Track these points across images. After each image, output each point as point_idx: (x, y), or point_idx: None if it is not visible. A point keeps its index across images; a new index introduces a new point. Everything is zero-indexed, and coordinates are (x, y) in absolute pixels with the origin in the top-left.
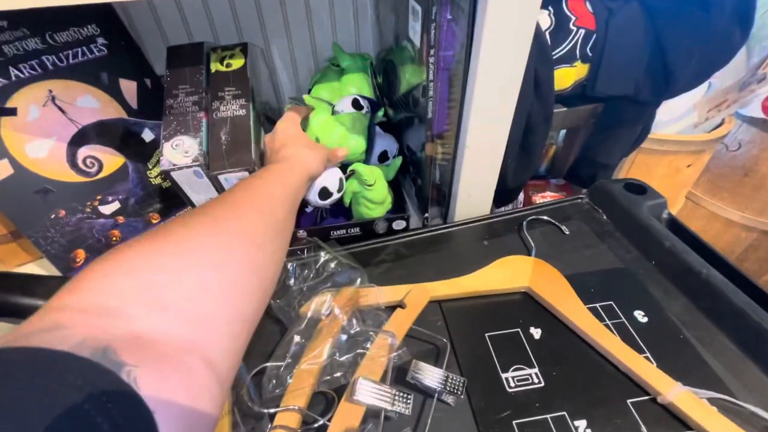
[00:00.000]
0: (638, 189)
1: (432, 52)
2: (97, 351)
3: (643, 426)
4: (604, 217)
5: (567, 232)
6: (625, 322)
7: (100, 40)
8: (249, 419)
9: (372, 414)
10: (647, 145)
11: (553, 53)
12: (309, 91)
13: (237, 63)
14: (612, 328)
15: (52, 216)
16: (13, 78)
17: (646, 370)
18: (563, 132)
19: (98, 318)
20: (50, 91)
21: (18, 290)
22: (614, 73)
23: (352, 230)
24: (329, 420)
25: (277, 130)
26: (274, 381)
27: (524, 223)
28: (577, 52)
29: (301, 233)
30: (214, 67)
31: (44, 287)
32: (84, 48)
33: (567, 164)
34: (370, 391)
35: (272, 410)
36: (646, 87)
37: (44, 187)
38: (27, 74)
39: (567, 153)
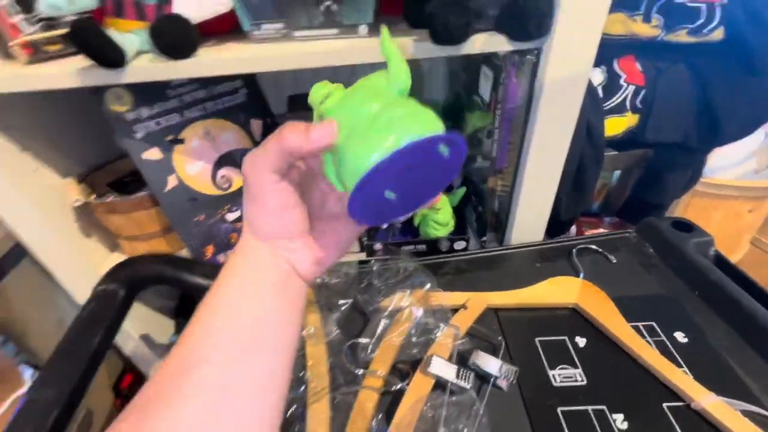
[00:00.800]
0: (685, 227)
1: (499, 105)
2: None
3: (677, 427)
4: (651, 251)
5: (614, 261)
6: (666, 340)
7: (242, 90)
8: (345, 376)
9: (439, 386)
10: (704, 188)
11: (605, 104)
12: None
13: None
14: (653, 345)
15: (195, 219)
16: (185, 118)
17: (682, 379)
18: (617, 172)
19: None
20: (206, 129)
21: (186, 269)
22: (663, 122)
23: (420, 246)
24: (407, 384)
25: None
26: (364, 352)
27: (574, 250)
28: (627, 104)
29: (378, 246)
30: None
31: (200, 269)
32: (231, 96)
33: (619, 203)
34: (440, 366)
35: (362, 371)
36: (694, 135)
37: (194, 197)
38: (194, 115)
39: (619, 192)
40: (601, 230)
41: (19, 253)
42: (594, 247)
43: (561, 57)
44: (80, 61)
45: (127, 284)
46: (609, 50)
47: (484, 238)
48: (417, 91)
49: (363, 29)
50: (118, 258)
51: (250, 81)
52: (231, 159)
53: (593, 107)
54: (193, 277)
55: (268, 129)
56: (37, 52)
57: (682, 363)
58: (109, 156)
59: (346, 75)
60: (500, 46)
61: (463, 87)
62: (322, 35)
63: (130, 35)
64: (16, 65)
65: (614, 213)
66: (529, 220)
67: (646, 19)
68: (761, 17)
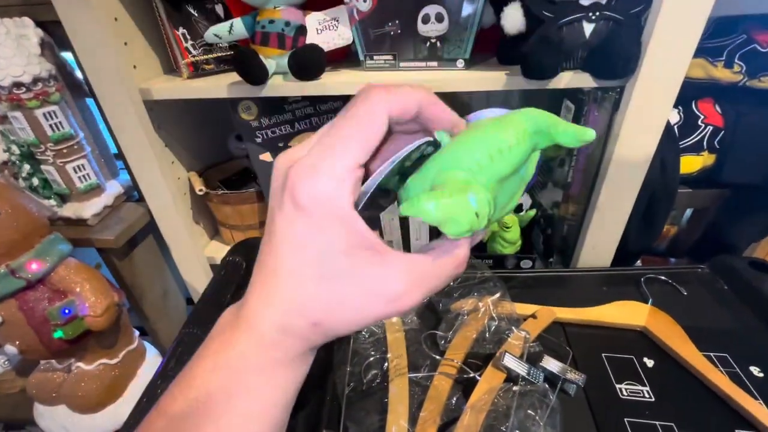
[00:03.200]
0: (763, 268)
1: None
2: None
3: None
4: (725, 287)
5: (685, 293)
6: (740, 373)
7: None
8: (424, 359)
9: (510, 381)
10: None
11: (681, 143)
12: None
13: None
14: (725, 374)
15: None
16: (296, 129)
17: (756, 406)
18: (688, 213)
19: None
20: None
21: None
22: (741, 163)
23: (487, 261)
24: (479, 375)
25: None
26: (441, 341)
27: (642, 279)
28: (705, 143)
29: None
30: None
31: None
32: (334, 113)
33: (689, 243)
34: (513, 361)
35: (439, 357)
36: None
37: None
38: (303, 127)
39: (689, 234)
40: None
41: (147, 228)
42: (663, 277)
43: (643, 96)
44: (229, 78)
45: (246, 258)
46: (688, 92)
47: (551, 260)
48: None
49: (460, 63)
50: (217, 244)
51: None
52: None
53: (668, 144)
54: None
55: None
56: (196, 70)
57: (756, 395)
58: (221, 158)
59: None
60: (586, 83)
61: None
62: (424, 66)
63: (270, 60)
64: (179, 79)
65: (682, 255)
66: (597, 246)
67: (728, 65)
68: None
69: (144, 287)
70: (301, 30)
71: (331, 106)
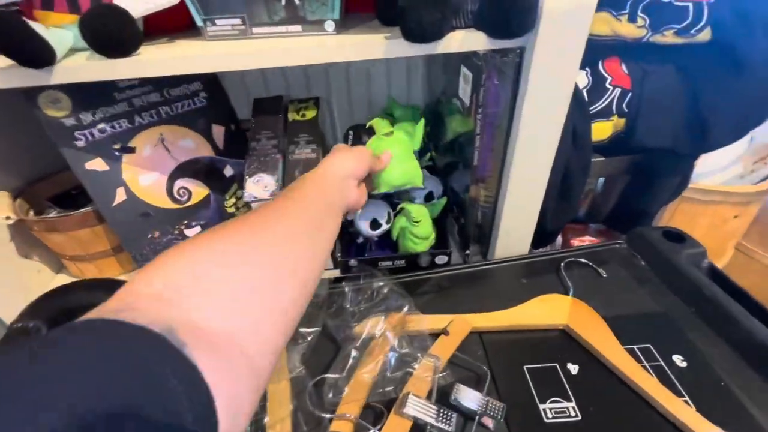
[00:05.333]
0: (677, 237)
1: (480, 109)
2: (164, 329)
3: None
4: (643, 263)
5: (605, 275)
6: (664, 365)
7: (202, 94)
8: (310, 422)
9: (417, 429)
10: (690, 194)
11: (591, 108)
12: None
13: (310, 114)
14: (650, 370)
15: (149, 236)
16: (137, 124)
17: (685, 413)
18: (602, 179)
19: (163, 304)
20: (161, 134)
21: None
22: (651, 127)
23: (398, 262)
24: (379, 430)
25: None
26: (332, 391)
27: (562, 264)
28: (614, 107)
29: (353, 262)
30: (292, 116)
31: None
32: (190, 100)
33: (606, 209)
34: (417, 406)
35: (329, 416)
36: (684, 140)
37: (146, 212)
38: (147, 121)
39: (606, 199)
40: (587, 238)
41: None
42: (583, 260)
43: (546, 56)
44: (1, 59)
45: (50, 320)
46: (593, 52)
47: (467, 252)
48: (398, 95)
49: (330, 26)
50: (63, 280)
51: (211, 83)
52: (190, 169)
53: (579, 111)
54: None
55: (233, 136)
56: None
57: (683, 391)
58: (55, 166)
59: (320, 73)
60: (479, 45)
61: (442, 89)
62: (284, 32)
63: (62, 30)
64: None
65: (600, 220)
66: (514, 231)
67: (632, 18)
68: (748, 16)
69: None
70: None
71: (185, 90)
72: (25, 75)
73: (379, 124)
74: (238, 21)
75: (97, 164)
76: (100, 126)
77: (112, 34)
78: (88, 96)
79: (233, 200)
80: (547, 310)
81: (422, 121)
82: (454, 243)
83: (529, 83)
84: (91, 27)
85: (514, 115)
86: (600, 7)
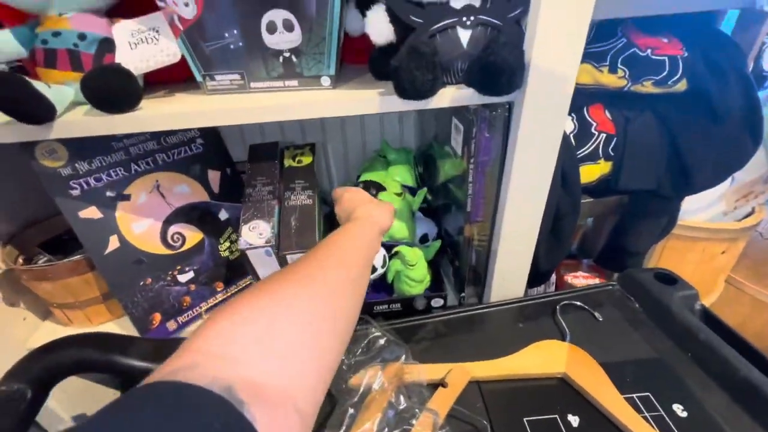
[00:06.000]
0: (668, 279)
1: (472, 159)
2: (224, 389)
3: None
4: (636, 306)
5: (600, 319)
6: (664, 415)
7: (199, 140)
8: None
9: None
10: (678, 231)
11: (578, 152)
12: (357, 177)
13: (306, 160)
14: (651, 420)
15: (141, 283)
16: (133, 171)
17: None
18: (590, 220)
19: (223, 361)
20: (157, 181)
21: (117, 350)
22: (635, 170)
23: (394, 306)
24: None
25: (344, 197)
26: None
27: (557, 307)
28: (600, 151)
29: None
30: (288, 162)
31: (137, 348)
32: (186, 147)
33: (597, 247)
34: None
35: None
36: (667, 183)
37: (139, 259)
38: (143, 168)
39: (596, 237)
40: (580, 274)
41: None
42: (578, 303)
43: (533, 110)
44: (1, 115)
45: (36, 382)
46: (578, 99)
47: (463, 294)
48: (391, 139)
49: (326, 81)
50: (50, 328)
51: (208, 130)
52: (185, 215)
53: (567, 155)
54: (128, 360)
55: (228, 180)
56: None
57: None
58: (46, 212)
59: (315, 119)
60: (470, 101)
61: (434, 135)
62: (282, 87)
63: (63, 87)
64: None
65: (592, 257)
66: (508, 273)
67: (612, 70)
68: (719, 68)
69: None
70: (107, 45)
71: (182, 137)
72: (24, 130)
73: (392, 185)
74: (236, 76)
75: (91, 213)
76: (96, 175)
77: (113, 93)
78: (85, 146)
79: (227, 244)
80: (545, 358)
81: (424, 190)
82: (450, 285)
83: (518, 135)
84: (93, 86)
85: (506, 163)
86: (583, 59)
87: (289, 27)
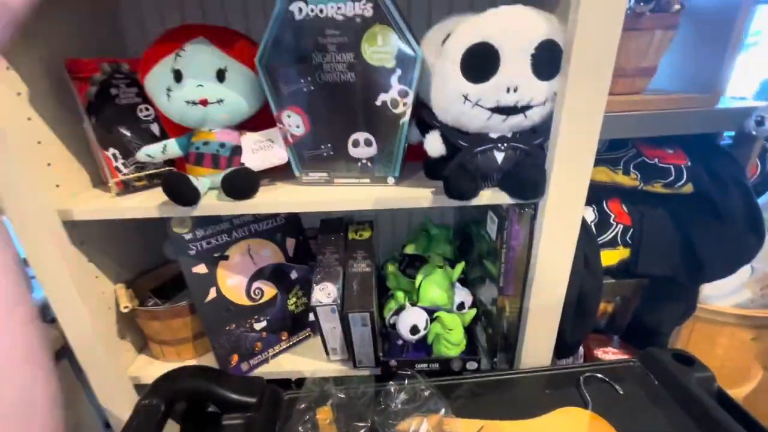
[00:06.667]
0: (686, 360)
1: (504, 244)
2: None
3: None
4: (656, 382)
5: (621, 392)
6: None
7: (282, 215)
8: None
9: None
10: (705, 315)
11: (599, 238)
12: (402, 248)
13: (366, 234)
14: None
15: (227, 328)
16: (233, 237)
17: None
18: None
19: None
20: (249, 245)
21: (215, 382)
22: (652, 258)
23: (433, 365)
24: None
25: None
26: None
27: (581, 378)
28: (619, 239)
29: (393, 362)
30: (351, 235)
31: (229, 382)
32: (272, 219)
33: (624, 324)
34: None
35: None
36: (682, 271)
37: (228, 308)
38: (240, 235)
39: (624, 315)
40: (610, 349)
41: (62, 352)
42: (600, 375)
43: (554, 209)
44: (160, 195)
45: (166, 399)
46: (597, 194)
47: (495, 359)
48: (433, 215)
49: (391, 180)
50: (145, 359)
51: None
52: (265, 273)
53: (588, 241)
54: (224, 391)
55: (300, 246)
56: (126, 187)
57: None
58: (154, 262)
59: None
60: (504, 200)
61: (471, 219)
62: (357, 183)
63: (204, 179)
64: (107, 196)
65: (620, 332)
66: (536, 344)
67: (626, 172)
68: (720, 178)
69: None
70: (237, 150)
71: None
72: (178, 209)
73: (435, 258)
74: (324, 174)
75: (200, 269)
76: (208, 239)
77: (241, 187)
78: (204, 218)
79: (294, 299)
80: (568, 423)
81: (463, 264)
82: (483, 350)
83: (543, 227)
84: (229, 182)
85: (533, 248)
86: (600, 164)
87: (368, 143)
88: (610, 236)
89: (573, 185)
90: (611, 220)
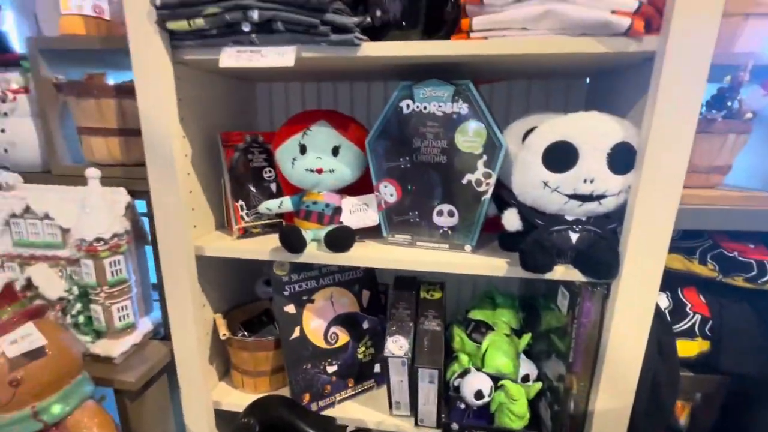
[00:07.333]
0: None
1: (575, 321)
2: None
3: None
4: None
5: None
6: None
7: (362, 268)
8: None
9: None
10: None
11: (675, 327)
12: (467, 312)
13: (437, 295)
14: None
15: (304, 367)
16: (320, 284)
17: None
18: (698, 394)
19: None
20: (331, 293)
21: (296, 416)
22: (734, 354)
23: None
24: None
25: None
26: None
27: None
28: (697, 330)
29: (454, 426)
30: (423, 295)
31: (309, 418)
32: (353, 271)
33: (707, 425)
34: None
35: None
36: None
37: (308, 348)
38: (326, 282)
39: (704, 415)
40: None
41: (164, 368)
42: None
43: (627, 292)
44: (270, 241)
45: (261, 421)
46: (672, 280)
47: None
48: (497, 282)
49: (468, 248)
50: (224, 386)
51: None
52: (341, 320)
53: (662, 327)
54: (305, 426)
55: (374, 298)
56: (245, 233)
57: None
58: (246, 298)
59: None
60: (577, 278)
61: (537, 292)
62: (437, 247)
63: (308, 232)
64: (228, 238)
65: None
66: (606, 430)
67: (702, 262)
68: None
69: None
70: (338, 210)
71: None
72: (285, 255)
73: (501, 326)
74: (408, 237)
75: (290, 308)
76: (300, 283)
77: (341, 242)
78: (299, 264)
79: (363, 348)
80: None
81: (529, 335)
82: (546, 428)
83: (615, 308)
84: (332, 236)
85: (604, 327)
86: (673, 251)
87: (451, 214)
88: (687, 325)
89: (647, 270)
90: (687, 309)
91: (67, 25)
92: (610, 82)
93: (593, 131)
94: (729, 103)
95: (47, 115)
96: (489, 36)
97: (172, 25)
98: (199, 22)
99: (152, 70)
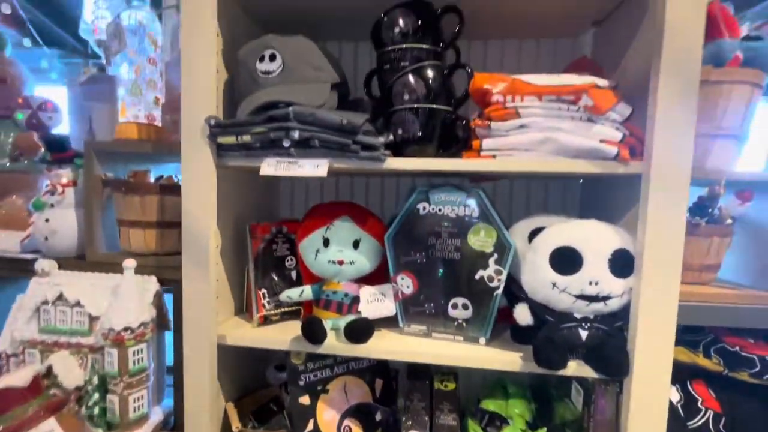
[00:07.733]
0: None
1: (591, 418)
2: None
3: None
4: None
5: None
6: None
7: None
8: None
9: None
10: None
11: (689, 423)
12: (478, 401)
13: (451, 386)
14: None
15: None
16: (334, 373)
17: None
18: None
19: None
20: (345, 382)
21: None
22: None
23: None
24: None
25: None
26: None
27: None
28: (711, 427)
29: None
30: (437, 385)
31: None
32: (367, 359)
33: None
34: None
35: None
36: None
37: None
38: (340, 371)
39: None
40: None
41: None
42: None
43: (640, 388)
44: (290, 329)
45: None
46: (681, 373)
47: None
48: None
49: (482, 340)
50: None
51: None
52: (354, 411)
53: (675, 422)
54: None
55: (386, 387)
56: (265, 321)
57: None
58: (256, 384)
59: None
60: (589, 374)
61: (550, 382)
62: (452, 339)
63: (326, 321)
64: (248, 326)
65: None
66: None
67: (707, 356)
68: None
69: None
70: (356, 299)
71: None
72: (306, 345)
73: (517, 420)
74: (424, 327)
75: (305, 400)
76: (315, 372)
77: (361, 334)
78: (316, 354)
79: None
80: None
81: (545, 430)
82: None
83: (630, 405)
84: (352, 329)
85: (620, 425)
86: (677, 343)
87: (465, 307)
88: (700, 422)
89: (657, 367)
90: (699, 404)
91: (123, 129)
92: (602, 184)
93: (594, 238)
94: (710, 210)
95: (92, 207)
96: (497, 155)
97: (222, 139)
98: (246, 138)
99: (199, 175)
